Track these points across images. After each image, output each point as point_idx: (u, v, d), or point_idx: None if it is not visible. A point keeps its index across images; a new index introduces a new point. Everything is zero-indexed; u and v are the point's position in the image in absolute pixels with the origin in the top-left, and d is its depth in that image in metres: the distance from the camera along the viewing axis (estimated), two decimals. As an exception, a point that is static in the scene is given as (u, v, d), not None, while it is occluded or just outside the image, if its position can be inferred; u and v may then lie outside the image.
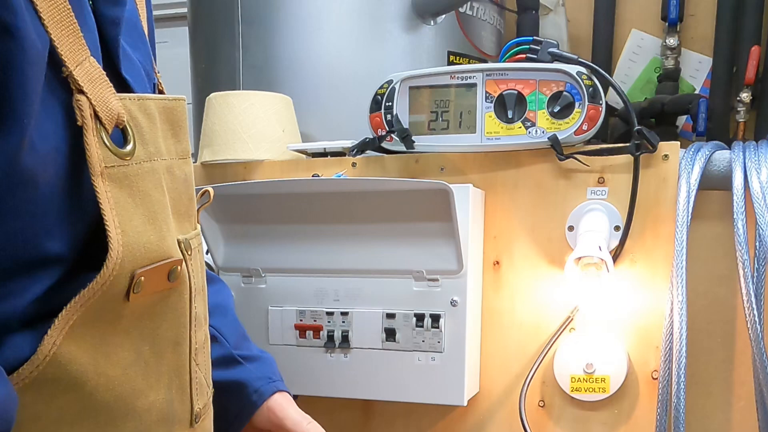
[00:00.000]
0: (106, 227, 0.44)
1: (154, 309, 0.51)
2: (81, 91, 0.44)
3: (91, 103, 0.44)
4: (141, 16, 0.59)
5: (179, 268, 0.52)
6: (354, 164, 0.99)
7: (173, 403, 0.55)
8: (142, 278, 0.47)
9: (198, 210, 0.63)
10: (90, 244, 0.47)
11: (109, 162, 0.45)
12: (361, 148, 0.97)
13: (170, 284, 0.52)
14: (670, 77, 1.35)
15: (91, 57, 0.45)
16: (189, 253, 0.55)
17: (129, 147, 0.47)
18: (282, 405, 0.77)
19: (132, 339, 0.50)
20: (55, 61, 0.43)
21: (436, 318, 0.90)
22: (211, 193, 0.65)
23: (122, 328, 0.49)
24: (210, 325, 0.74)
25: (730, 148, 0.90)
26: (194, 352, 0.57)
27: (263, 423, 0.77)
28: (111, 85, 0.46)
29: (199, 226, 0.60)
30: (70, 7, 0.43)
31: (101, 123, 0.45)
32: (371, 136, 0.96)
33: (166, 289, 0.52)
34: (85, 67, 0.44)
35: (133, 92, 0.53)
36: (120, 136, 0.47)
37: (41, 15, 0.41)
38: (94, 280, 0.44)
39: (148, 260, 0.48)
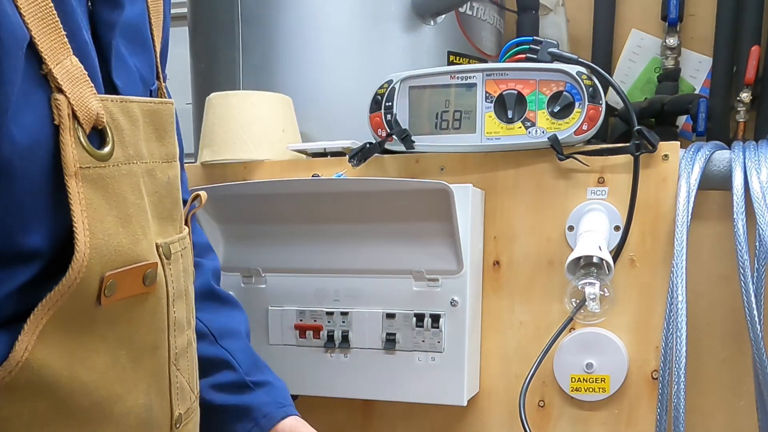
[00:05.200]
0: (74, 229, 0.44)
1: (130, 313, 0.51)
2: (60, 90, 0.44)
3: (69, 102, 0.44)
4: (153, 21, 0.58)
5: (155, 271, 0.51)
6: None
7: (152, 408, 0.54)
8: (113, 281, 0.47)
9: (189, 213, 0.62)
10: (70, 243, 0.46)
11: (84, 163, 0.45)
12: (363, 156, 0.96)
13: (146, 288, 0.51)
14: (670, 77, 1.35)
15: (74, 56, 0.45)
16: (168, 257, 0.54)
17: (107, 149, 0.47)
18: (298, 428, 0.77)
19: (108, 344, 0.49)
20: (38, 57, 0.43)
21: (436, 318, 0.90)
22: (203, 198, 0.65)
23: (98, 334, 0.48)
24: (224, 348, 0.76)
25: (730, 148, 0.90)
26: (174, 357, 0.57)
27: None
28: (92, 85, 0.46)
29: (186, 230, 0.60)
30: (52, 5, 0.43)
31: (79, 123, 0.44)
32: (372, 142, 0.96)
33: (142, 293, 0.51)
34: (65, 66, 0.44)
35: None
36: (99, 137, 0.47)
37: (21, 11, 0.41)
38: (60, 283, 0.44)
39: (119, 263, 0.47)
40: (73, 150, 0.44)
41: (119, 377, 0.50)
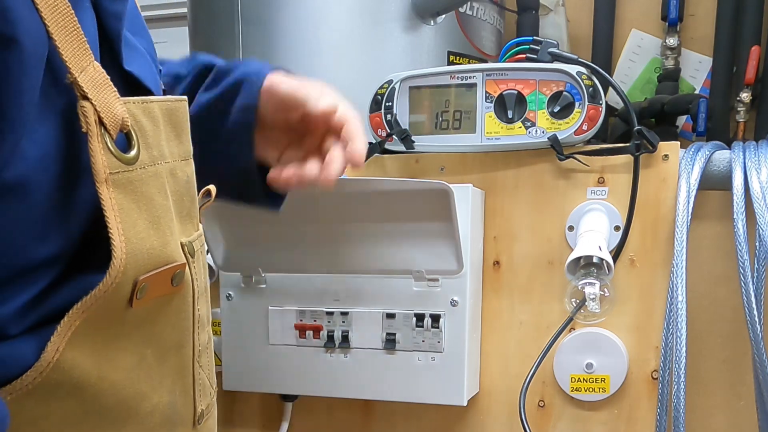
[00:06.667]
0: (110, 235, 0.44)
1: (157, 313, 0.51)
2: (85, 97, 0.43)
3: (95, 109, 0.43)
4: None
5: (183, 272, 0.52)
6: (354, 164, 0.99)
7: (176, 405, 0.55)
8: (145, 284, 0.47)
9: (200, 209, 0.62)
10: (86, 245, 0.46)
11: (113, 168, 0.45)
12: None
13: (174, 288, 0.51)
14: (670, 77, 1.35)
15: (96, 62, 0.44)
16: (192, 255, 0.54)
17: (133, 152, 0.47)
18: (282, 76, 0.72)
19: (135, 343, 0.49)
20: (53, 67, 0.42)
21: (436, 318, 0.90)
22: (213, 192, 0.65)
23: (125, 333, 0.48)
24: (196, 64, 0.75)
25: (730, 148, 0.90)
26: (198, 354, 0.57)
27: (271, 104, 0.71)
28: (115, 89, 0.46)
29: (201, 227, 0.60)
30: (73, 12, 0.42)
31: (105, 129, 0.44)
32: (372, 142, 0.96)
33: (170, 293, 0.51)
34: (89, 73, 0.44)
35: (142, 83, 0.52)
36: (124, 140, 0.47)
37: (45, 21, 0.41)
38: (97, 288, 0.44)
39: (151, 266, 0.47)
40: (102, 156, 0.44)
41: (145, 375, 0.51)
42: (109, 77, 0.45)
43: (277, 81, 0.70)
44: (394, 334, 0.92)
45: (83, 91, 0.43)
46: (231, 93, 0.71)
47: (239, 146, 0.72)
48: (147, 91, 0.53)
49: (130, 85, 0.52)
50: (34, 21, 0.40)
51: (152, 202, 0.48)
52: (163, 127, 0.52)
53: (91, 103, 0.43)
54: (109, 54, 0.50)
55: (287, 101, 0.71)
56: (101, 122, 0.44)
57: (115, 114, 0.45)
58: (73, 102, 0.43)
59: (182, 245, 0.53)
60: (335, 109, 0.70)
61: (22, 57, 0.39)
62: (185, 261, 0.52)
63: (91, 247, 0.46)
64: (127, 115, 0.46)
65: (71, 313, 0.44)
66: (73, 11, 0.43)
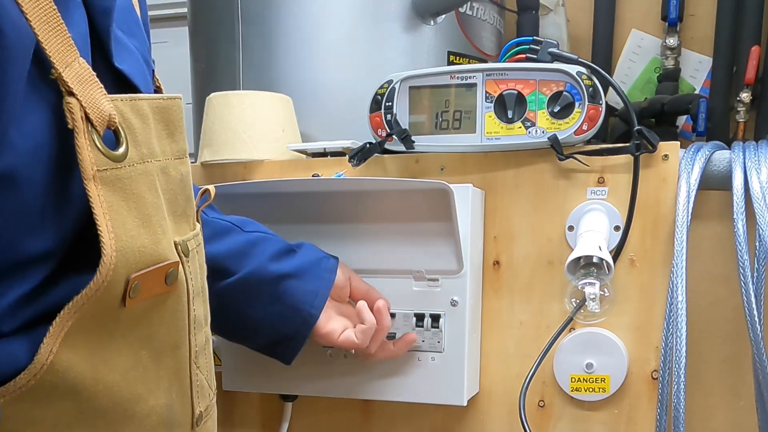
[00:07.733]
0: (99, 233, 0.44)
1: (151, 313, 0.51)
2: (71, 93, 0.43)
3: (81, 105, 0.43)
4: (134, 1, 0.58)
5: (176, 271, 0.51)
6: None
7: (173, 407, 0.54)
8: (138, 283, 0.47)
9: (198, 209, 0.62)
10: (79, 241, 0.46)
11: (101, 165, 0.44)
12: (363, 156, 0.96)
13: (167, 288, 0.51)
14: (670, 77, 1.35)
15: (81, 58, 0.44)
16: (186, 255, 0.54)
17: (121, 149, 0.47)
18: (354, 277, 0.90)
19: (130, 344, 0.49)
20: (41, 62, 0.42)
21: (436, 318, 0.90)
22: (212, 192, 0.65)
23: (120, 334, 0.48)
24: (254, 231, 0.85)
25: (730, 148, 0.90)
26: (194, 354, 0.57)
27: (339, 286, 0.87)
28: (102, 86, 0.45)
29: (198, 226, 0.60)
30: (55, 7, 0.42)
31: (92, 125, 0.44)
32: (372, 142, 0.96)
33: (164, 292, 0.51)
34: (74, 69, 0.44)
35: (131, 82, 0.52)
36: (112, 138, 0.47)
37: (27, 16, 0.41)
38: (87, 287, 0.44)
39: (143, 264, 0.47)
40: (89, 153, 0.43)
41: (141, 377, 0.50)
42: (96, 74, 0.45)
43: (353, 275, 0.90)
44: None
45: (68, 86, 0.43)
46: (302, 271, 0.85)
47: (301, 317, 0.84)
48: (137, 90, 0.53)
49: (120, 83, 0.52)
50: (16, 12, 0.40)
51: (142, 199, 0.48)
52: (154, 125, 0.51)
53: (77, 99, 0.43)
54: (100, 51, 0.49)
55: (356, 293, 0.89)
56: (88, 119, 0.44)
57: (102, 111, 0.45)
58: (62, 97, 0.43)
59: (176, 244, 0.52)
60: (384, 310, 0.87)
61: (5, 44, 0.39)
62: (178, 259, 0.52)
63: (84, 246, 0.46)
64: (115, 112, 0.46)
65: (63, 312, 0.43)
66: (55, 7, 0.42)
